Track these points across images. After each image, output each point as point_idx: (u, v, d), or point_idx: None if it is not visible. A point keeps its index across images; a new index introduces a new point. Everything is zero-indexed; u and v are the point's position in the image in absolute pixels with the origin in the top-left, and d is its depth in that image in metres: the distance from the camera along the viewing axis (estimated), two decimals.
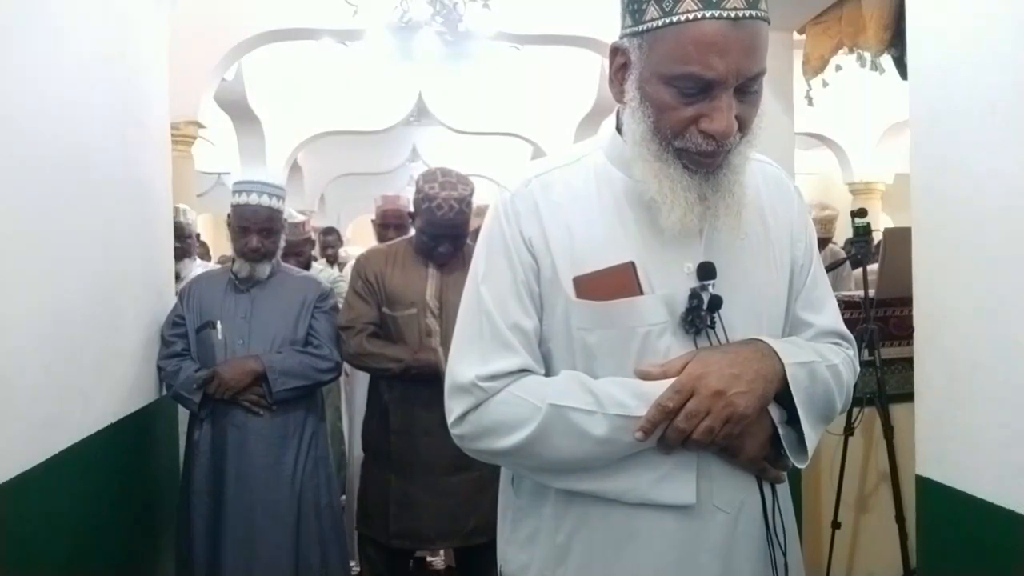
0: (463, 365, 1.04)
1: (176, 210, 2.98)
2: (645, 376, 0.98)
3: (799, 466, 1.04)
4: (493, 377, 1.01)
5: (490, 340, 1.03)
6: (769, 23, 0.93)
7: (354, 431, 3.23)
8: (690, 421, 0.95)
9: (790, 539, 1.08)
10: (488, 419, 1.01)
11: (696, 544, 1.00)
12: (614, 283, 0.99)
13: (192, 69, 4.93)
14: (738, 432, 0.98)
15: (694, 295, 0.99)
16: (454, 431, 1.05)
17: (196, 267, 3.50)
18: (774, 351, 1.00)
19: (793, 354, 1.02)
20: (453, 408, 1.04)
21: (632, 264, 0.99)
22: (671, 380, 0.96)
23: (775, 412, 1.02)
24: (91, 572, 1.95)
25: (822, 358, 1.06)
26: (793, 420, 1.03)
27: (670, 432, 0.96)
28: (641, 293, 0.99)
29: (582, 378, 1.00)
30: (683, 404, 0.95)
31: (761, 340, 1.01)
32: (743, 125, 0.95)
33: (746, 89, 0.93)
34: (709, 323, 0.99)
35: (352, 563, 2.96)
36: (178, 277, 2.88)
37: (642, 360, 0.99)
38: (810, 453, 1.03)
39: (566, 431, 0.97)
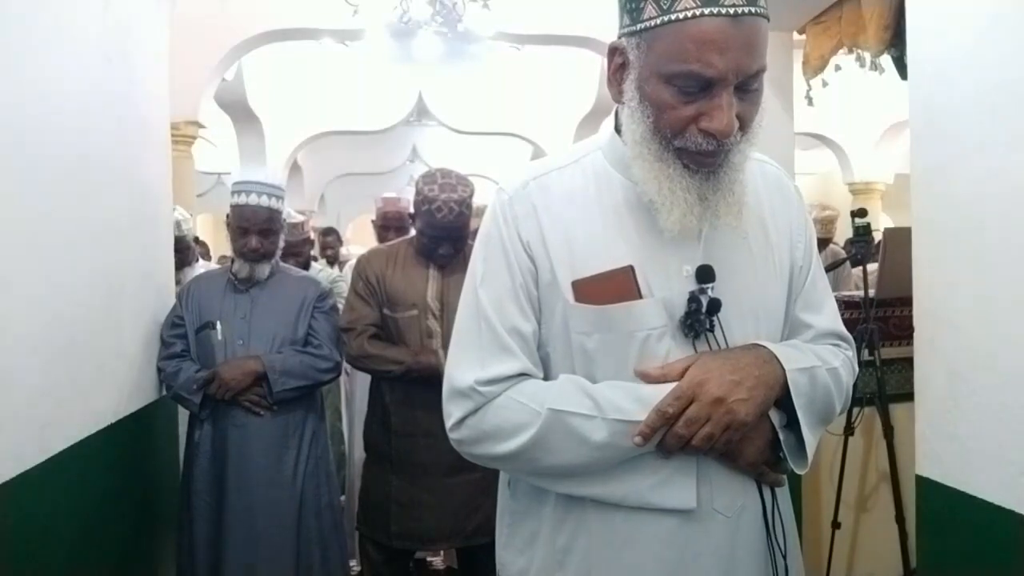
0: (461, 369, 1.03)
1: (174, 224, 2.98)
2: (644, 377, 0.98)
3: (799, 472, 1.03)
4: (492, 381, 1.00)
5: (488, 344, 1.02)
6: (768, 20, 0.92)
7: (354, 431, 3.23)
8: (690, 427, 0.95)
9: (790, 542, 1.07)
10: (487, 424, 1.00)
11: (696, 548, 1.00)
12: (613, 287, 0.98)
13: (192, 69, 4.93)
14: (738, 438, 0.98)
15: (693, 299, 0.98)
16: (452, 435, 1.04)
17: (197, 268, 3.51)
18: (775, 356, 1.00)
19: (794, 359, 1.01)
20: (452, 412, 1.03)
21: (631, 268, 0.99)
22: (671, 385, 0.96)
23: (775, 417, 1.02)
24: (91, 572, 1.95)
25: (823, 362, 1.05)
26: (792, 423, 1.03)
27: (669, 437, 0.95)
28: (640, 297, 0.98)
29: (581, 382, 1.00)
30: (683, 410, 0.95)
31: (762, 345, 1.01)
32: (744, 123, 0.94)
33: (746, 87, 0.92)
34: (708, 327, 0.98)
35: (352, 563, 2.96)
36: (179, 285, 2.88)
37: (641, 364, 0.99)
38: (810, 458, 1.02)
39: (565, 436, 0.97)
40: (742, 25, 0.88)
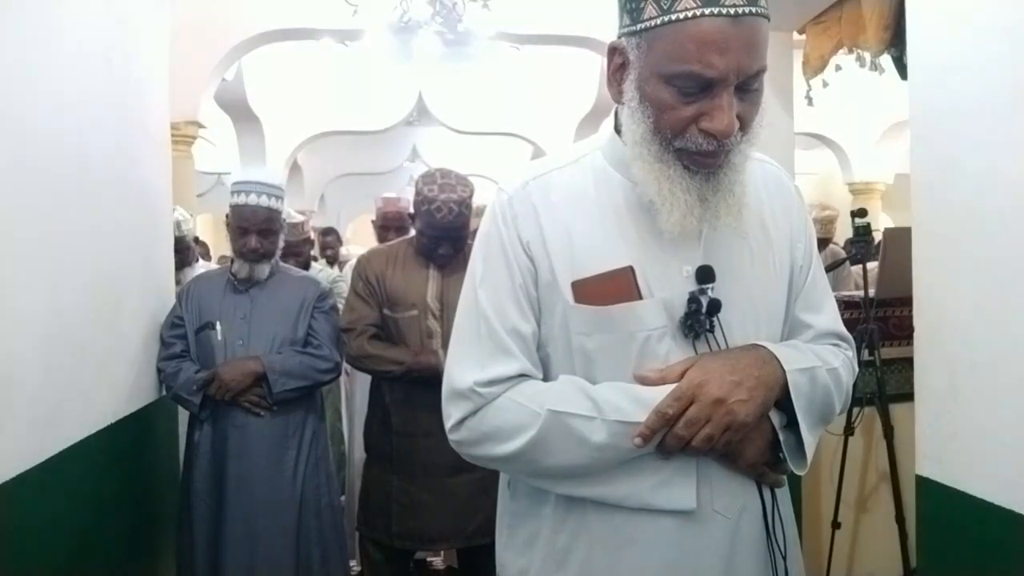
0: (461, 370, 1.03)
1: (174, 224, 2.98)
2: (643, 381, 0.98)
3: (798, 473, 1.03)
4: (491, 383, 1.00)
5: (488, 345, 1.02)
6: (769, 20, 0.92)
7: (354, 432, 3.23)
8: (690, 428, 0.94)
9: (790, 543, 1.07)
10: (487, 425, 1.00)
11: (697, 549, 1.00)
12: (613, 288, 0.98)
13: (192, 69, 4.93)
14: (738, 439, 0.98)
15: (693, 299, 0.98)
16: (452, 437, 1.04)
17: (197, 268, 3.51)
18: (775, 357, 0.99)
19: (794, 360, 1.01)
20: (451, 413, 1.03)
21: (631, 268, 0.98)
22: (671, 386, 0.96)
23: (775, 417, 1.01)
24: (91, 572, 1.95)
25: (823, 362, 1.05)
26: (792, 424, 1.02)
27: (669, 439, 0.95)
28: (640, 298, 0.98)
29: (581, 383, 0.99)
30: (683, 411, 0.94)
31: (762, 346, 1.01)
32: (744, 123, 0.93)
33: (747, 87, 0.92)
34: (708, 327, 0.98)
35: (352, 563, 2.96)
36: (179, 285, 2.88)
37: (641, 365, 0.99)
38: (809, 459, 1.02)
39: (565, 437, 0.96)
40: (742, 25, 0.88)
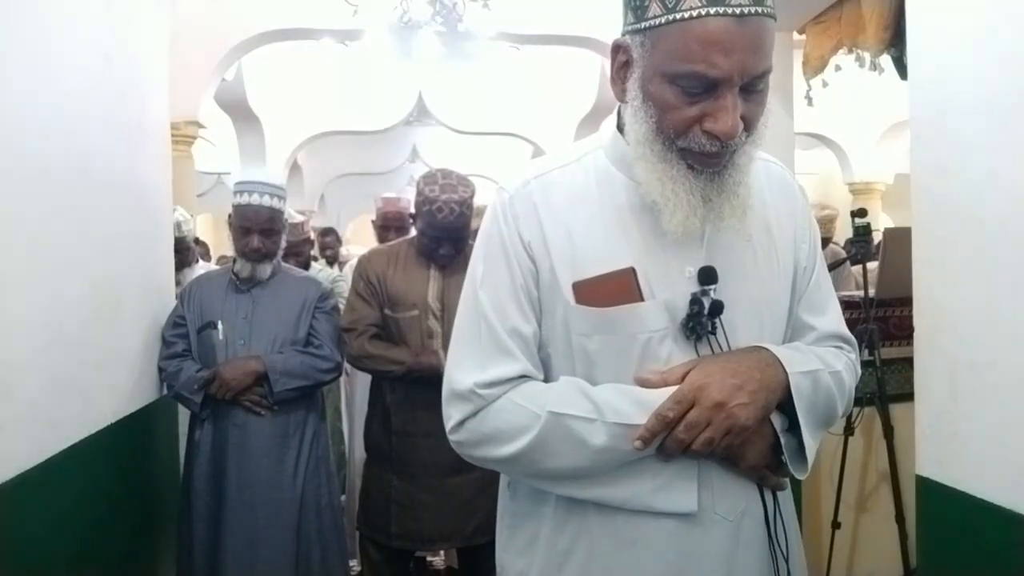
0: (461, 371, 1.02)
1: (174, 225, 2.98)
2: (644, 384, 0.97)
3: (799, 477, 1.02)
4: (492, 384, 0.99)
5: (488, 346, 1.01)
6: (775, 20, 0.91)
7: (354, 431, 3.23)
8: (690, 432, 0.94)
9: (793, 546, 1.06)
10: (487, 427, 1.00)
11: (698, 552, 0.99)
12: (614, 289, 0.97)
13: (192, 69, 4.93)
14: (739, 442, 0.97)
15: (695, 300, 0.97)
16: (452, 438, 1.03)
17: (197, 268, 3.51)
18: (777, 359, 0.98)
19: (797, 362, 1.00)
20: (451, 415, 1.03)
21: (632, 270, 0.97)
22: (672, 388, 0.95)
23: (777, 420, 1.01)
24: (91, 572, 1.95)
25: (825, 365, 1.04)
26: (794, 427, 1.02)
27: (669, 442, 0.95)
28: (641, 299, 0.97)
29: (581, 385, 0.99)
30: (683, 414, 0.93)
31: (765, 348, 1.00)
32: (748, 124, 0.92)
33: (751, 88, 0.91)
34: (710, 329, 0.97)
35: (352, 563, 2.96)
36: (179, 285, 2.88)
37: (643, 367, 0.98)
38: (810, 463, 1.01)
39: (565, 439, 0.96)
40: (748, 25, 0.87)
